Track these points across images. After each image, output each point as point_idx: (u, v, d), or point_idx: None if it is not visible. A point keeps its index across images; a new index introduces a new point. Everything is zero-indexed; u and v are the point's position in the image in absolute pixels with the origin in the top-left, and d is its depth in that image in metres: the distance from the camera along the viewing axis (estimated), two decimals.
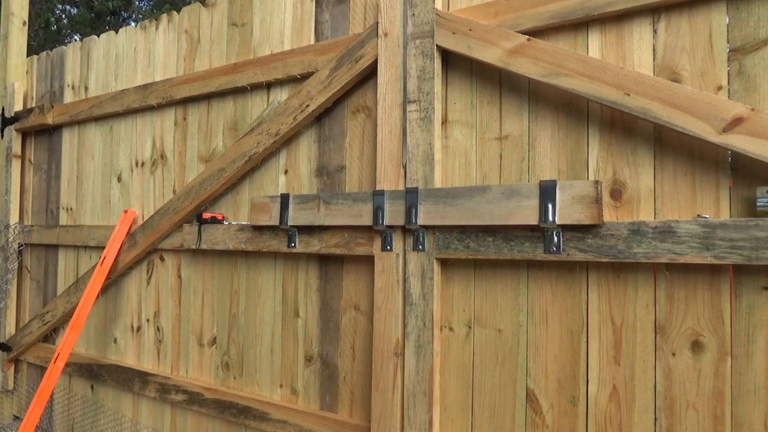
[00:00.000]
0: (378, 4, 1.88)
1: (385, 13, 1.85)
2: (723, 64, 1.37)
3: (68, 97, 3.08)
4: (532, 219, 1.48)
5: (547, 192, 1.46)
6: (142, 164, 2.69)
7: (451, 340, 1.73)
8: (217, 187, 2.27)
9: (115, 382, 2.63)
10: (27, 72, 3.33)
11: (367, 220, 1.79)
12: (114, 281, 2.75)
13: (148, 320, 2.60)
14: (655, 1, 1.43)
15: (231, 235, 2.20)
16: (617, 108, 1.42)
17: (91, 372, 2.76)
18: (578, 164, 1.55)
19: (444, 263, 1.75)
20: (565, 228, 1.47)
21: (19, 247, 3.23)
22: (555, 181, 1.45)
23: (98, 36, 2.98)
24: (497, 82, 1.70)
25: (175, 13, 2.62)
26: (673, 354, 1.39)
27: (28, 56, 3.35)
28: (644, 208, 1.45)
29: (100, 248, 2.82)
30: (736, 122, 1.27)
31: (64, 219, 3.05)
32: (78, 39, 10.26)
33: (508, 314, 1.63)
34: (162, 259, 2.56)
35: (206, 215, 2.29)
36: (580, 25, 1.57)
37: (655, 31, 1.46)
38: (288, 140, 2.17)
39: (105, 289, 2.79)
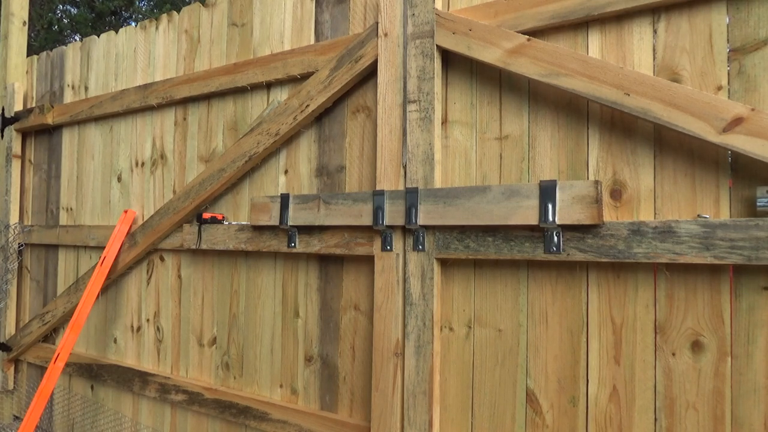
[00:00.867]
0: (378, 4, 1.88)
1: (385, 13, 1.85)
2: (723, 64, 1.37)
3: (68, 97, 3.09)
4: (532, 219, 1.48)
5: (547, 192, 1.46)
6: (142, 164, 2.69)
7: (451, 340, 1.73)
8: (217, 187, 2.27)
9: (115, 382, 2.63)
10: (27, 72, 3.33)
11: (367, 220, 1.79)
12: (114, 281, 2.75)
13: (148, 320, 2.60)
14: (655, 1, 1.43)
15: (231, 235, 2.20)
16: (617, 108, 1.42)
17: (91, 372, 2.76)
18: (578, 164, 1.55)
19: (444, 263, 1.75)
20: (565, 228, 1.47)
21: (19, 247, 3.23)
22: (555, 181, 1.45)
23: (98, 36, 2.98)
24: (497, 82, 1.70)
25: (175, 13, 2.62)
26: (673, 354, 1.39)
27: (28, 56, 3.35)
28: (644, 208, 1.45)
29: (100, 248, 2.82)
30: (736, 122, 1.27)
31: (64, 219, 3.05)
32: (78, 39, 10.26)
33: (508, 314, 1.63)
34: (162, 259, 2.56)
35: (206, 215, 2.29)
36: (580, 25, 1.57)
37: (655, 31, 1.46)
38: (288, 140, 2.17)
39: (105, 289, 2.79)
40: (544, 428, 1.56)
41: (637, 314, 1.44)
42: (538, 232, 1.52)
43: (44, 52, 3.26)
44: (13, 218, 3.21)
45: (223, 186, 2.28)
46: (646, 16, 1.48)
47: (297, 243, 2.01)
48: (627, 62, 1.50)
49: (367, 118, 1.97)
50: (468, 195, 1.59)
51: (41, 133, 3.24)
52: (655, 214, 1.44)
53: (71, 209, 3.02)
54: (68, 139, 3.07)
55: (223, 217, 2.31)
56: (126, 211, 2.64)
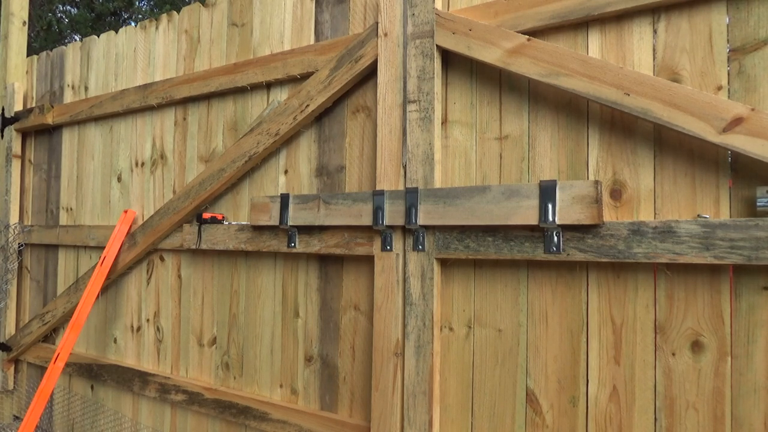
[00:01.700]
0: (378, 4, 1.88)
1: (385, 13, 1.85)
2: (723, 64, 1.37)
3: (68, 97, 3.09)
4: (532, 219, 1.48)
5: (547, 192, 1.46)
6: (142, 164, 2.69)
7: (451, 340, 1.73)
8: (217, 187, 2.27)
9: (115, 382, 2.63)
10: (27, 72, 3.33)
11: (367, 220, 1.79)
12: (114, 281, 2.75)
13: (148, 320, 2.60)
14: (655, 1, 1.43)
15: (231, 235, 2.20)
16: (617, 108, 1.42)
17: (91, 372, 2.76)
18: (578, 164, 1.55)
19: (444, 263, 1.75)
20: (565, 228, 1.47)
21: (19, 247, 3.23)
22: (555, 181, 1.45)
23: (98, 36, 2.98)
24: (497, 82, 1.70)
25: (175, 13, 2.62)
26: (673, 354, 1.39)
27: (28, 56, 3.35)
28: (644, 208, 1.45)
29: (100, 248, 2.82)
30: (736, 122, 1.27)
31: (64, 219, 3.05)
32: (78, 39, 10.26)
33: (508, 314, 1.63)
34: (162, 259, 2.56)
35: (206, 215, 2.29)
36: (580, 25, 1.57)
37: (655, 31, 1.46)
38: (288, 140, 2.17)
39: (105, 289, 2.79)
40: (544, 428, 1.56)
41: (637, 314, 1.44)
42: (538, 232, 1.52)
43: (44, 52, 3.26)
44: (13, 218, 3.21)
45: (223, 186, 2.28)
46: (646, 16, 1.48)
47: (297, 243, 2.01)
48: (627, 62, 1.50)
49: (367, 118, 1.97)
50: (468, 195, 1.59)
51: (41, 133, 3.24)
52: (655, 214, 1.44)
53: (71, 209, 3.02)
54: (68, 139, 3.07)
55: (223, 217, 2.31)
56: (126, 211, 2.64)
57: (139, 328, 2.64)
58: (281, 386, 2.13)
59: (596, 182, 1.40)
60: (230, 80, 2.31)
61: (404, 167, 1.77)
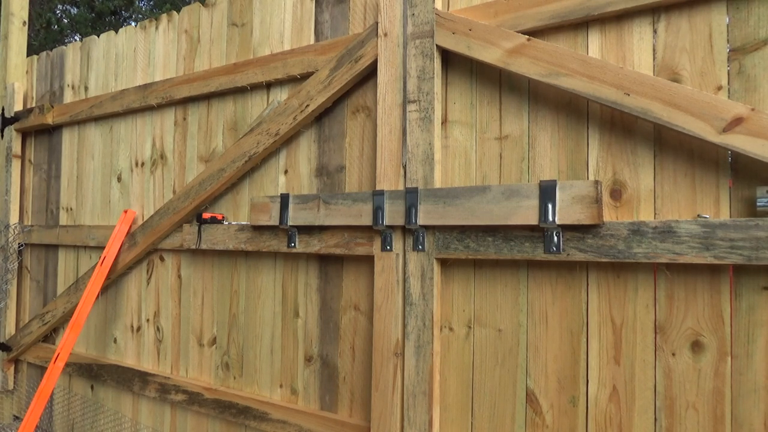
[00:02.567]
0: (378, 4, 1.88)
1: (385, 13, 1.85)
2: (723, 64, 1.37)
3: (68, 97, 3.09)
4: (532, 219, 1.48)
5: (547, 192, 1.46)
6: (142, 164, 2.69)
7: (451, 340, 1.73)
8: (217, 187, 2.27)
9: (115, 382, 2.63)
10: (27, 72, 3.33)
11: (366, 220, 1.79)
12: (114, 281, 2.75)
13: (148, 320, 2.60)
14: (655, 1, 1.43)
15: (231, 235, 2.20)
16: (617, 108, 1.42)
17: (91, 372, 2.76)
18: (578, 164, 1.55)
19: (444, 263, 1.75)
20: (565, 228, 1.47)
21: (19, 247, 3.23)
22: (555, 181, 1.45)
23: (98, 36, 2.98)
24: (497, 82, 1.70)
25: (175, 13, 2.62)
26: (673, 354, 1.39)
27: (28, 56, 3.35)
28: (644, 208, 1.45)
29: (100, 248, 2.82)
30: (736, 122, 1.27)
31: (64, 219, 3.05)
32: (78, 39, 10.26)
33: (508, 314, 1.63)
34: (162, 259, 2.56)
35: (206, 215, 2.29)
36: (580, 25, 1.57)
37: (655, 31, 1.46)
38: (288, 140, 2.17)
39: (105, 289, 2.79)
40: (544, 428, 1.56)
41: (637, 314, 1.44)
42: (538, 232, 1.52)
43: (44, 52, 3.26)
44: (13, 218, 3.21)
45: (223, 186, 2.28)
46: (646, 16, 1.47)
47: (297, 243, 2.01)
48: (627, 62, 1.50)
49: (367, 118, 1.97)
50: (468, 195, 1.59)
51: (41, 133, 3.24)
52: (655, 214, 1.44)
53: (71, 209, 3.02)
54: (68, 139, 3.07)
55: (223, 217, 2.31)
56: (126, 211, 2.64)
57: (139, 328, 2.64)
58: (281, 386, 2.13)
59: (596, 182, 1.40)
60: (230, 80, 2.31)
61: (404, 167, 1.77)
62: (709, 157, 1.37)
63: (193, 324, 2.42)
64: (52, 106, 3.07)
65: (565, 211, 1.43)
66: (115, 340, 2.75)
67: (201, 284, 2.40)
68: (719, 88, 1.37)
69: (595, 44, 1.55)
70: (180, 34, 2.58)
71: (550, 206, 1.45)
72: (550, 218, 1.44)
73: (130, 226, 2.63)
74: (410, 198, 1.70)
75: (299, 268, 2.11)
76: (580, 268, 1.53)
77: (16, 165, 3.24)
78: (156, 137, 2.64)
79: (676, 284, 1.40)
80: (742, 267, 1.32)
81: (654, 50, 1.47)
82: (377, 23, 1.87)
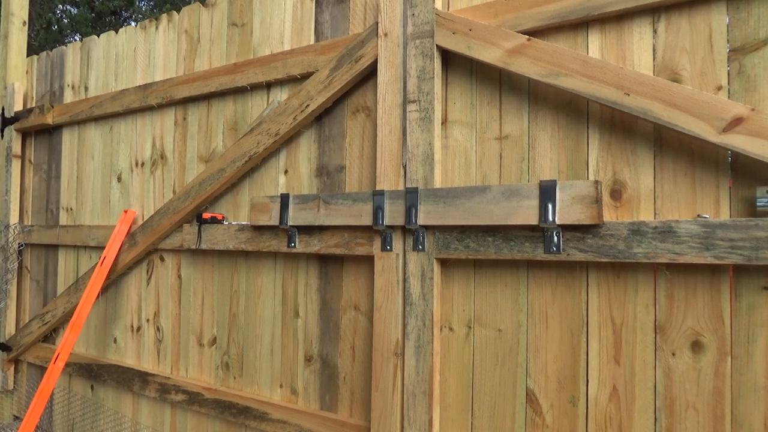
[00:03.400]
0: (378, 4, 1.88)
1: (385, 13, 1.85)
2: (723, 64, 1.37)
3: (68, 97, 3.09)
4: (532, 219, 1.48)
5: (547, 192, 1.46)
6: (142, 164, 2.69)
7: (451, 340, 1.73)
8: (217, 187, 2.27)
9: (115, 382, 2.63)
10: (27, 72, 3.33)
11: (367, 220, 1.79)
12: (114, 281, 2.75)
13: (148, 320, 2.60)
14: (655, 1, 1.43)
15: (231, 235, 2.20)
16: (617, 108, 1.42)
17: (91, 372, 2.76)
18: (578, 164, 1.55)
19: (444, 263, 1.75)
20: (565, 228, 1.47)
21: (19, 247, 3.23)
22: (555, 181, 1.45)
23: (98, 36, 2.99)
24: (497, 82, 1.70)
25: (175, 13, 2.62)
26: (673, 354, 1.39)
27: (28, 56, 3.35)
28: (644, 208, 1.45)
29: (100, 248, 2.82)
30: (736, 122, 1.27)
31: (64, 219, 3.05)
32: (78, 39, 10.26)
33: (508, 314, 1.63)
34: (162, 259, 2.56)
35: (206, 215, 2.29)
36: (580, 25, 1.57)
37: (655, 31, 1.46)
38: (288, 140, 2.17)
39: (105, 289, 2.79)
40: (544, 428, 1.56)
41: (637, 314, 1.44)
42: (538, 232, 1.52)
43: (44, 52, 3.26)
44: (13, 218, 3.21)
45: (223, 186, 2.28)
46: (646, 16, 1.48)
47: (297, 243, 2.01)
48: (627, 62, 1.50)
49: (367, 118, 1.97)
50: (468, 195, 1.59)
51: (41, 133, 3.24)
52: (655, 214, 1.44)
53: (71, 209, 3.02)
54: (68, 139, 3.07)
55: (223, 217, 2.31)
56: (126, 211, 2.64)
57: (139, 328, 2.64)
58: (281, 386, 2.13)
59: (596, 182, 1.40)
60: (230, 80, 2.31)
61: (404, 167, 1.77)
62: (709, 157, 1.37)
63: (193, 324, 2.42)
64: (52, 106, 3.07)
65: (565, 211, 1.43)
66: (115, 340, 2.75)
67: (201, 284, 2.40)
68: (719, 88, 1.37)
69: (595, 44, 1.55)
70: (180, 34, 2.58)
71: (550, 206, 1.45)
72: (550, 218, 1.44)
73: (130, 226, 2.63)
74: (410, 198, 1.70)
75: (299, 268, 2.11)
76: (580, 268, 1.53)
77: (16, 165, 3.24)
78: (156, 137, 2.64)
79: (676, 284, 1.40)
80: (742, 267, 1.32)
81: (654, 50, 1.47)
82: (377, 23, 1.87)
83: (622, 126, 1.49)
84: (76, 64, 3.06)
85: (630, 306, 1.45)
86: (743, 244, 1.24)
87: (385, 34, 1.84)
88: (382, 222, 1.75)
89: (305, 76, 2.11)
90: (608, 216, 1.50)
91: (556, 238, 1.48)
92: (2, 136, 3.29)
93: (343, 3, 2.06)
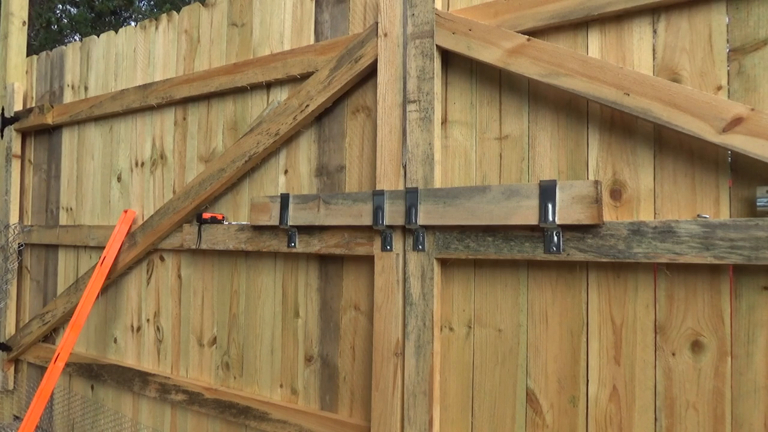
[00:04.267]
0: (378, 4, 1.88)
1: (384, 13, 1.85)
2: (723, 64, 1.37)
3: (68, 97, 3.08)
4: (532, 219, 1.48)
5: (546, 192, 1.46)
6: (142, 164, 2.69)
7: (451, 340, 1.73)
8: (217, 187, 2.27)
9: (115, 382, 2.63)
10: (27, 72, 3.33)
11: (367, 220, 1.79)
12: (114, 281, 2.75)
13: (148, 320, 2.60)
14: (655, 1, 1.43)
15: (231, 235, 2.20)
16: (617, 108, 1.42)
17: (91, 372, 2.76)
18: (578, 164, 1.55)
19: (444, 263, 1.75)
20: (565, 228, 1.47)
21: (19, 247, 3.23)
22: (555, 181, 1.45)
23: (98, 36, 2.98)
24: (497, 82, 1.70)
25: (174, 13, 2.62)
26: (673, 354, 1.39)
27: (28, 56, 3.35)
28: (644, 208, 1.45)
29: (100, 248, 2.82)
30: (736, 122, 1.27)
31: (64, 219, 3.05)
32: (78, 39, 10.26)
33: (508, 314, 1.63)
34: (162, 259, 2.56)
35: (206, 215, 2.29)
36: (580, 25, 1.57)
37: (655, 31, 1.46)
38: (288, 140, 2.17)
39: (105, 289, 2.79)
40: (544, 428, 1.56)
41: (637, 314, 1.44)
42: (538, 232, 1.52)
43: (44, 52, 3.26)
44: (13, 218, 3.21)
45: (223, 186, 2.28)
46: (646, 16, 1.47)
47: (297, 243, 2.01)
48: (627, 62, 1.50)
49: (367, 118, 1.97)
50: (468, 195, 1.59)
51: (41, 133, 3.24)
52: (655, 214, 1.44)
53: (71, 209, 3.02)
54: (68, 139, 3.07)
55: (223, 217, 2.31)
56: (126, 211, 2.64)
57: (139, 328, 2.64)
58: (281, 386, 2.13)
59: (596, 182, 1.40)
60: (230, 80, 2.31)
61: (404, 167, 1.77)
62: (709, 157, 1.37)
63: (193, 324, 2.42)
64: (52, 106, 3.07)
65: (565, 211, 1.43)
66: (115, 340, 2.75)
67: (201, 284, 2.41)
68: (719, 88, 1.37)
69: (595, 44, 1.55)
70: (180, 34, 2.58)
71: (550, 206, 1.45)
72: (550, 218, 1.44)
73: (130, 226, 2.63)
74: (410, 198, 1.70)
75: (299, 268, 2.11)
76: (580, 268, 1.53)
77: (16, 165, 3.24)
78: (156, 137, 2.64)
79: (676, 284, 1.40)
80: (742, 267, 1.32)
81: (654, 50, 1.47)
82: (377, 23, 1.87)
83: (622, 126, 1.49)
84: (76, 64, 3.06)
85: (630, 306, 1.45)
86: (743, 244, 1.25)
87: (385, 34, 1.84)
88: (382, 222, 1.75)
89: (305, 76, 2.11)
90: (608, 216, 1.50)
91: (556, 238, 1.48)
92: (2, 136, 3.29)
93: (343, 3, 2.06)
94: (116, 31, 2.89)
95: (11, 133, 3.24)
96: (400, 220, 1.72)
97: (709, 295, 1.36)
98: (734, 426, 1.31)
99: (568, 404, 1.53)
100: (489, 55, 1.63)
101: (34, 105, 3.27)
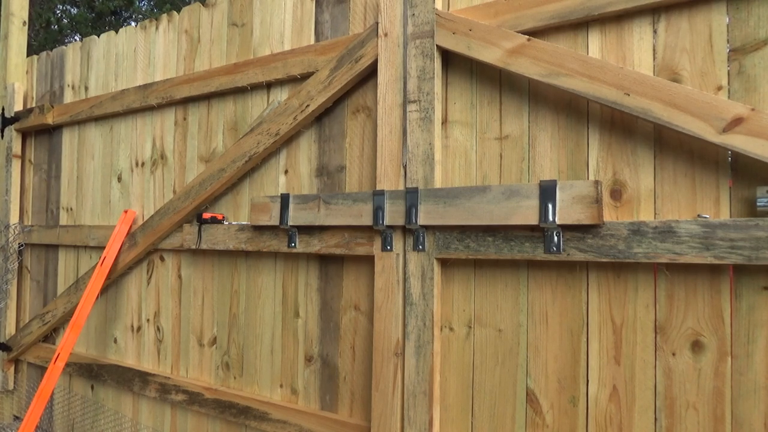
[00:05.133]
0: (378, 4, 1.88)
1: (385, 13, 1.85)
2: (723, 64, 1.37)
3: (68, 97, 3.09)
4: (532, 219, 1.48)
5: (547, 192, 1.46)
6: (142, 164, 2.69)
7: (451, 340, 1.73)
8: (217, 187, 2.27)
9: (115, 382, 2.63)
10: (27, 72, 3.33)
11: (367, 220, 1.79)
12: (114, 281, 2.75)
13: (148, 320, 2.60)
14: (655, 1, 1.43)
15: (231, 235, 2.20)
16: (617, 108, 1.42)
17: (91, 372, 2.76)
18: (578, 164, 1.55)
19: (444, 263, 1.75)
20: (565, 228, 1.47)
21: (19, 247, 3.23)
22: (555, 181, 1.45)
23: (98, 36, 2.99)
24: (497, 82, 1.70)
25: (175, 13, 2.62)
26: (673, 354, 1.39)
27: (28, 56, 3.35)
28: (644, 208, 1.45)
29: (100, 248, 2.82)
30: (736, 122, 1.27)
31: (64, 219, 3.05)
32: (78, 39, 10.26)
33: (508, 314, 1.63)
34: (162, 259, 2.56)
35: (206, 215, 2.29)
36: (580, 25, 1.57)
37: (655, 31, 1.46)
38: (288, 140, 2.17)
39: (105, 289, 2.79)
40: (544, 428, 1.56)
41: (637, 314, 1.44)
42: (538, 232, 1.52)
43: (44, 52, 3.27)
44: (13, 218, 3.21)
45: (223, 186, 2.28)
46: (646, 16, 1.48)
47: (297, 243, 2.01)
48: (627, 62, 1.50)
49: (367, 118, 1.97)
50: (468, 195, 1.59)
51: (41, 133, 3.24)
52: (655, 214, 1.44)
53: (71, 209, 3.02)
54: (68, 139, 3.07)
55: (223, 217, 2.31)
56: (126, 211, 2.64)
57: (139, 328, 2.64)
58: (281, 386, 2.13)
59: (596, 182, 1.40)
60: (230, 80, 2.31)
61: (404, 167, 1.78)
62: (709, 157, 1.37)
63: (194, 324, 2.42)
64: (52, 106, 3.07)
65: (566, 211, 1.43)
66: (115, 340, 2.75)
67: (201, 284, 2.41)
68: (719, 88, 1.37)
69: (595, 44, 1.55)
70: (180, 34, 2.58)
71: (550, 206, 1.45)
72: (550, 218, 1.44)
73: (131, 226, 2.63)
74: (410, 198, 1.70)
75: (299, 268, 2.11)
76: (581, 268, 1.53)
77: (16, 165, 3.24)
78: (156, 137, 2.64)
79: (676, 284, 1.40)
80: (742, 267, 1.32)
81: (654, 50, 1.47)
82: (377, 23, 1.87)
83: (622, 126, 1.49)
84: (76, 64, 3.06)
85: (630, 306, 1.45)
86: (743, 244, 1.25)
87: (386, 34, 1.84)
88: (383, 222, 1.75)
89: (305, 76, 2.11)
90: (608, 216, 1.50)
91: (556, 238, 1.48)
92: (2, 136, 3.29)
93: (343, 3, 2.06)
94: (116, 31, 2.89)
95: (11, 133, 3.24)
96: (400, 220, 1.72)
97: (709, 295, 1.36)
98: (734, 426, 1.31)
99: (568, 404, 1.53)
100: (489, 55, 1.63)
101: (34, 105, 3.27)
